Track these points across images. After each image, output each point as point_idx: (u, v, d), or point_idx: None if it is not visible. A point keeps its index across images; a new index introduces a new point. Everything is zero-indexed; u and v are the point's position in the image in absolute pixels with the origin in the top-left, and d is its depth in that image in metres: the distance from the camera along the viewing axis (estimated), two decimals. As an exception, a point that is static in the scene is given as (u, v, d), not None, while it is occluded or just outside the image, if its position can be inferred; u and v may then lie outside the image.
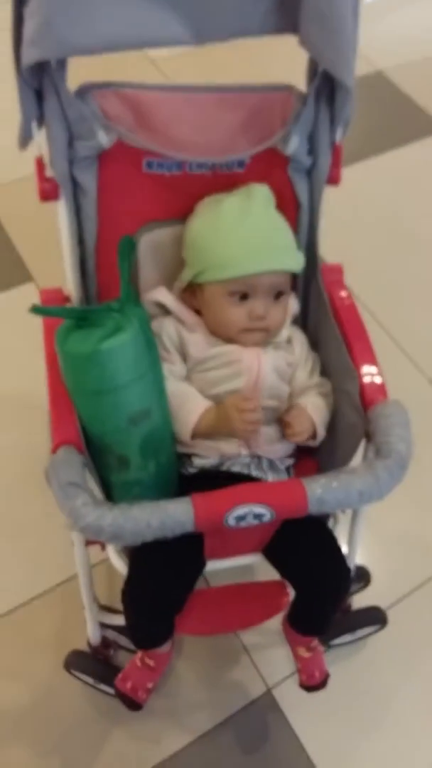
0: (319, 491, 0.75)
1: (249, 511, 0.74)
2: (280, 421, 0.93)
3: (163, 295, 0.97)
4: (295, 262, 0.94)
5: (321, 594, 0.90)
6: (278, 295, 0.93)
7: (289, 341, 0.99)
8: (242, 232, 0.90)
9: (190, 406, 0.90)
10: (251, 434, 0.88)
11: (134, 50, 0.82)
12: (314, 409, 0.93)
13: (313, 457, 1.01)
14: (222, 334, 0.94)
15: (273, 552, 0.90)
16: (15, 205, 1.81)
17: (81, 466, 0.80)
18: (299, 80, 0.92)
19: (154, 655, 0.99)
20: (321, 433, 0.93)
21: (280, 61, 1.53)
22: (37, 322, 0.90)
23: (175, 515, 0.74)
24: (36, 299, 0.97)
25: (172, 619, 0.91)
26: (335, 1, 0.77)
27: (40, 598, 1.22)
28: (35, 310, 0.81)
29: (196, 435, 0.90)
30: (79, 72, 0.87)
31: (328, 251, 1.01)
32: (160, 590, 0.86)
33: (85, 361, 0.79)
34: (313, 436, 0.93)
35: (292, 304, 1.00)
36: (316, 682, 1.02)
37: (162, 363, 0.90)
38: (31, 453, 1.38)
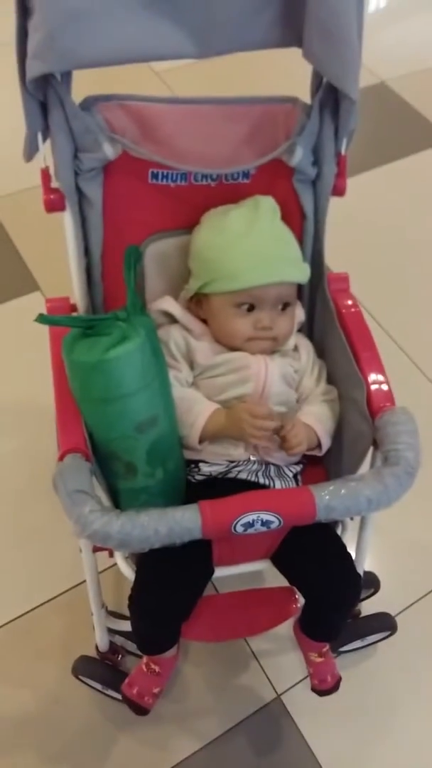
0: (327, 498, 0.75)
1: (257, 518, 0.75)
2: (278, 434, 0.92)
3: (170, 305, 0.98)
4: (302, 273, 0.95)
5: (331, 601, 0.90)
6: (284, 306, 0.94)
7: (295, 349, 1.00)
8: (249, 244, 0.90)
9: (197, 409, 0.90)
10: (260, 440, 0.88)
11: (138, 63, 0.83)
12: (317, 420, 0.93)
13: (321, 464, 1.02)
14: (228, 344, 0.95)
15: (281, 559, 0.90)
16: (22, 214, 1.83)
17: (88, 474, 0.80)
18: (302, 91, 0.92)
19: (160, 661, 0.99)
20: (326, 442, 0.93)
21: (284, 72, 1.54)
22: (44, 330, 0.91)
23: (182, 522, 0.74)
24: (42, 308, 0.98)
25: (178, 626, 0.91)
26: (339, 14, 0.78)
27: (48, 605, 1.23)
28: (42, 319, 0.82)
29: (203, 438, 0.90)
30: (82, 84, 0.88)
31: (334, 260, 1.02)
32: (167, 597, 0.86)
33: (92, 370, 0.80)
34: (318, 445, 0.93)
35: (298, 313, 1.01)
36: (328, 686, 1.02)
37: (168, 370, 0.90)
38: (38, 459, 1.38)
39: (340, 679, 1.04)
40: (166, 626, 0.91)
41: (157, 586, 0.86)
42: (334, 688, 1.03)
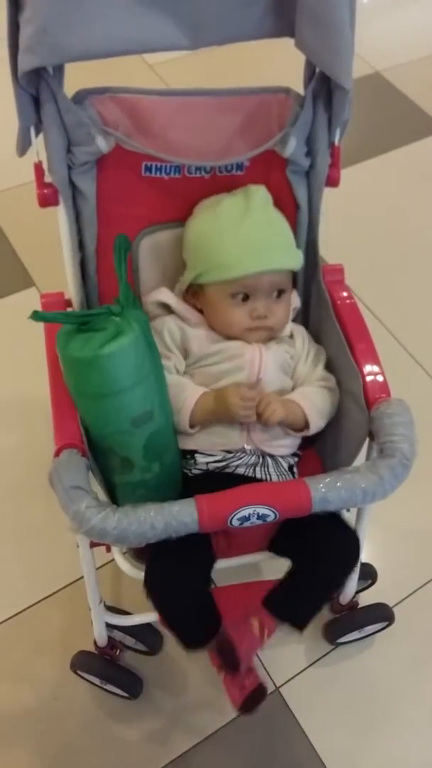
0: (323, 491, 0.75)
1: (253, 512, 0.75)
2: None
3: (166, 295, 0.98)
4: (295, 260, 0.95)
5: (331, 564, 0.88)
6: (279, 293, 0.94)
7: (291, 336, 1.00)
8: (241, 233, 0.90)
9: (186, 393, 0.91)
10: (247, 415, 0.88)
11: (131, 55, 0.82)
12: (303, 397, 0.93)
13: (317, 456, 1.02)
14: (225, 334, 0.95)
15: (278, 539, 0.90)
16: (15, 210, 1.82)
17: (84, 469, 0.80)
18: (295, 82, 0.92)
19: (221, 651, 0.90)
20: (315, 420, 0.93)
21: (276, 63, 1.53)
22: (39, 326, 0.90)
23: (179, 517, 0.74)
24: (37, 304, 0.98)
25: (204, 609, 0.87)
26: (331, 3, 0.78)
27: (46, 600, 1.23)
28: (36, 315, 0.82)
29: (194, 422, 0.90)
30: (74, 77, 0.87)
31: (329, 252, 1.01)
32: (185, 586, 0.85)
33: (87, 366, 0.80)
34: (306, 425, 0.93)
35: (294, 300, 1.01)
36: (247, 693, 0.91)
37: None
38: (34, 456, 1.38)
39: (259, 687, 0.92)
40: (192, 610, 0.87)
41: (167, 575, 0.84)
42: (253, 698, 0.92)
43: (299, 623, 0.91)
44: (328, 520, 0.86)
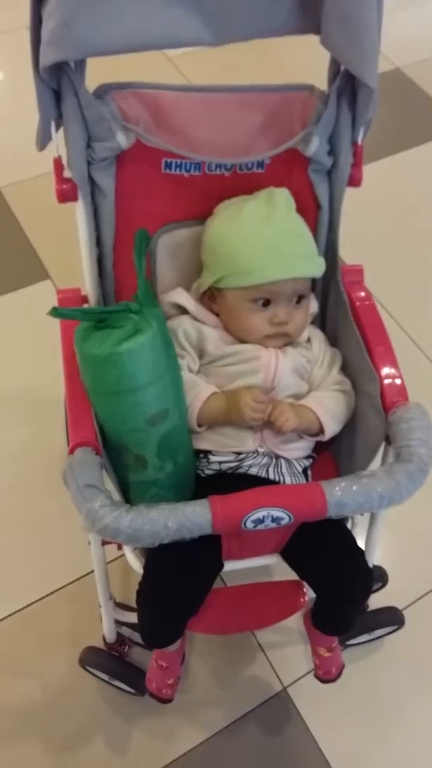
0: (338, 494, 0.75)
1: (267, 515, 0.74)
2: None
3: (183, 297, 0.97)
4: (317, 267, 0.94)
5: (343, 595, 0.90)
6: (299, 299, 0.93)
7: (308, 340, 0.99)
8: (265, 239, 0.89)
9: (196, 391, 0.90)
10: (258, 421, 0.88)
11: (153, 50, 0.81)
12: (317, 403, 0.92)
13: (332, 458, 1.01)
14: (243, 339, 0.94)
15: (291, 554, 0.90)
16: (32, 202, 1.82)
17: (98, 468, 0.80)
18: (315, 77, 0.91)
19: (165, 656, 1.00)
20: (330, 426, 0.92)
21: (297, 58, 1.52)
22: (53, 319, 0.90)
23: (192, 517, 0.74)
24: (52, 297, 0.98)
25: (185, 621, 0.91)
26: (358, 2, 0.76)
27: (55, 595, 1.23)
28: (55, 312, 0.82)
29: (202, 421, 0.90)
30: (94, 70, 0.86)
31: (348, 251, 1.00)
32: (175, 594, 0.86)
33: (104, 363, 0.79)
34: (321, 430, 0.92)
35: (312, 305, 1.00)
36: (332, 677, 1.04)
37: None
38: (45, 450, 1.39)
39: (343, 668, 1.05)
40: (173, 621, 0.91)
41: (165, 583, 0.86)
42: (337, 677, 1.05)
43: (339, 633, 1.03)
44: (341, 548, 0.88)
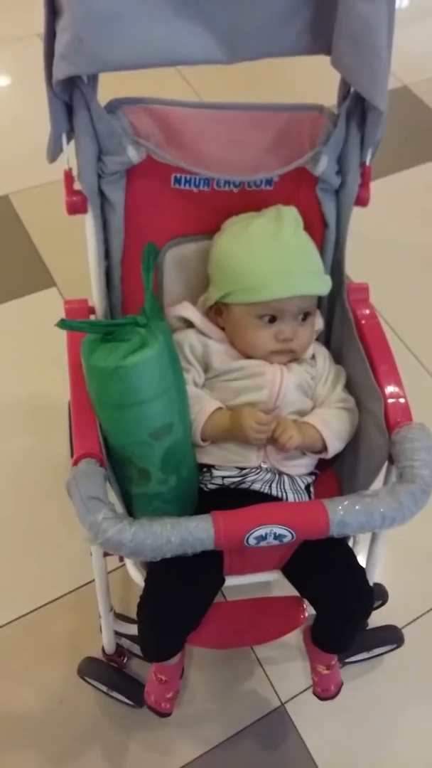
0: (341, 514, 0.75)
1: (269, 532, 0.74)
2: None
3: (189, 311, 0.97)
4: (324, 285, 0.95)
5: (343, 614, 0.90)
6: (305, 316, 0.94)
7: (312, 357, 1.00)
8: (272, 256, 0.90)
9: (201, 405, 0.91)
10: (261, 441, 0.89)
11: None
12: (321, 421, 0.93)
13: (334, 476, 1.01)
14: (249, 355, 0.95)
15: (293, 571, 0.90)
16: (39, 209, 1.83)
17: (102, 480, 0.80)
18: (323, 96, 0.91)
19: (164, 669, 1.00)
20: (333, 444, 0.92)
21: (306, 77, 1.53)
22: (58, 327, 0.90)
23: (195, 533, 0.74)
24: (58, 304, 0.98)
25: (185, 636, 0.91)
26: (369, 23, 0.77)
27: (54, 603, 1.23)
28: (62, 324, 0.82)
29: (205, 435, 0.90)
30: (104, 83, 0.86)
31: (353, 269, 1.01)
32: (176, 608, 0.86)
33: (110, 376, 0.80)
34: (324, 448, 0.92)
35: (317, 322, 1.00)
36: (330, 695, 1.04)
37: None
38: (48, 457, 1.39)
39: (341, 686, 1.04)
40: (173, 636, 0.91)
41: (166, 596, 0.86)
42: (335, 695, 1.04)
43: (339, 651, 1.04)
44: (342, 566, 0.88)
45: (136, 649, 1.14)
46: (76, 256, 1.01)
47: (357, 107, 0.88)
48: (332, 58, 0.83)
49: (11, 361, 1.56)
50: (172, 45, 0.80)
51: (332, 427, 0.93)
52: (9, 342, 1.60)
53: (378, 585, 1.21)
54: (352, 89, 0.86)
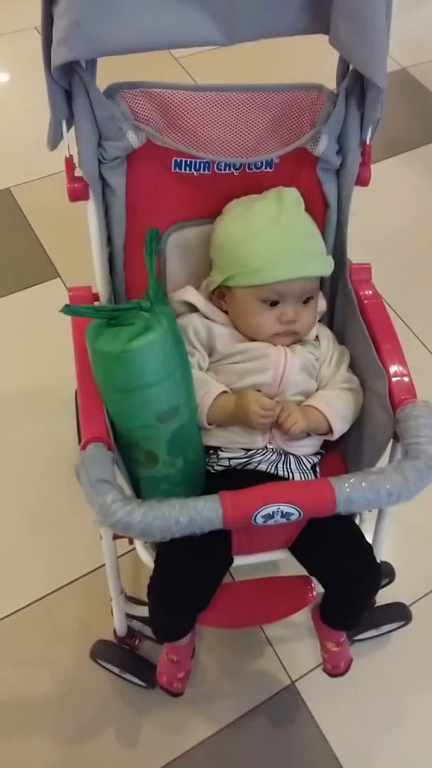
0: (347, 491, 0.75)
1: (277, 510, 0.75)
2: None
3: (192, 295, 0.98)
4: (326, 266, 0.95)
5: (351, 591, 0.91)
6: (308, 299, 0.94)
7: (316, 338, 1.00)
8: (274, 239, 0.90)
9: (206, 389, 0.91)
10: (264, 426, 0.90)
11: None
12: (326, 403, 0.93)
13: (340, 455, 1.02)
14: (252, 337, 0.95)
15: (300, 549, 0.91)
16: (42, 201, 1.83)
17: (110, 463, 0.81)
18: (321, 77, 0.91)
19: (176, 649, 1.01)
20: (338, 426, 0.93)
21: (303, 58, 1.52)
22: (62, 317, 0.90)
23: (203, 512, 0.75)
24: (62, 295, 0.99)
25: (195, 615, 0.92)
26: (367, 2, 0.77)
27: (66, 588, 1.25)
28: (67, 310, 0.83)
29: (211, 419, 0.91)
30: (100, 69, 0.86)
31: (355, 250, 1.01)
32: (186, 588, 0.87)
33: (115, 360, 0.80)
34: (330, 429, 0.93)
35: (320, 303, 1.01)
36: (341, 671, 1.05)
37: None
38: (55, 446, 1.40)
39: (351, 662, 1.06)
40: (184, 615, 0.92)
41: (176, 576, 0.87)
42: (346, 671, 1.06)
43: (347, 628, 1.05)
44: (349, 543, 0.89)
45: (148, 630, 1.15)
46: (79, 247, 1.02)
47: (356, 85, 0.87)
48: (330, 36, 0.83)
49: (17, 351, 1.57)
50: (171, 27, 0.80)
51: (337, 409, 0.93)
52: (15, 333, 1.60)
53: (385, 563, 1.22)
54: (350, 67, 0.86)
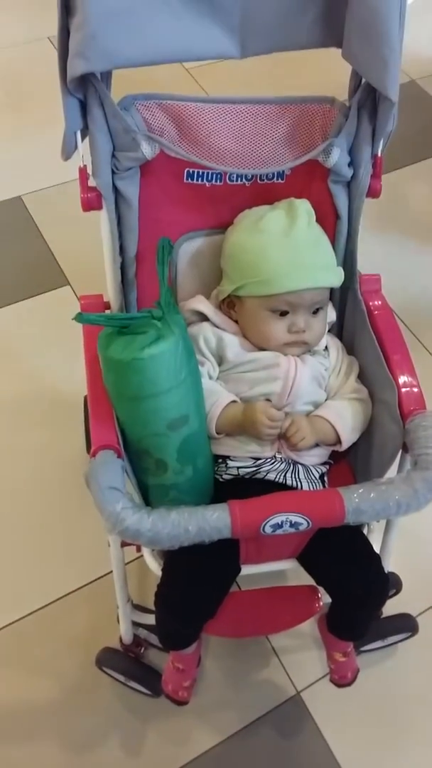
0: (356, 501, 0.75)
1: (286, 520, 0.75)
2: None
3: (203, 305, 0.99)
4: (336, 277, 0.96)
5: (358, 602, 0.91)
6: (317, 309, 0.95)
7: (326, 348, 1.00)
8: (285, 249, 0.91)
9: (215, 398, 0.92)
10: (271, 438, 0.91)
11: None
12: (335, 414, 0.94)
13: (349, 465, 1.02)
14: (262, 347, 0.96)
15: (308, 559, 0.91)
16: (52, 210, 1.84)
17: (120, 470, 0.82)
18: (334, 89, 0.92)
19: (181, 658, 1.01)
20: (347, 437, 0.93)
21: (314, 70, 1.54)
22: (72, 325, 0.91)
23: (212, 521, 0.75)
24: (72, 302, 1.00)
25: (202, 624, 0.92)
26: (381, 14, 0.78)
27: (72, 595, 1.25)
28: (80, 318, 0.83)
29: (220, 428, 0.92)
30: (113, 80, 0.88)
31: (365, 261, 1.02)
32: (194, 596, 0.87)
33: (126, 368, 0.81)
34: (338, 440, 0.93)
35: (329, 314, 1.01)
36: (347, 681, 1.06)
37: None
38: (63, 452, 1.41)
39: (358, 672, 1.06)
40: (191, 624, 0.92)
41: (184, 585, 0.87)
42: (352, 681, 1.06)
43: (354, 639, 1.05)
44: (357, 553, 0.89)
45: (154, 639, 1.15)
46: (89, 255, 1.02)
47: (368, 99, 0.88)
48: (343, 49, 0.84)
49: (27, 358, 1.58)
50: (185, 41, 0.81)
51: (346, 419, 0.94)
52: (24, 340, 1.61)
53: (392, 574, 1.21)
54: (363, 80, 0.87)
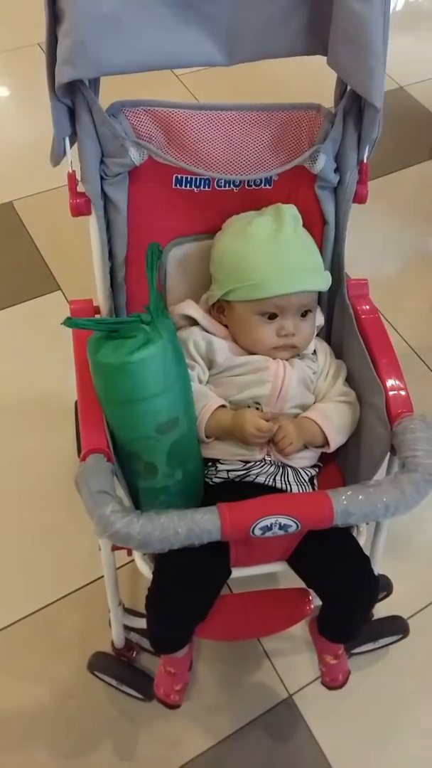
0: (345, 503, 0.76)
1: (275, 522, 0.76)
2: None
3: (192, 309, 0.99)
4: (324, 281, 0.97)
5: (348, 604, 0.91)
6: (305, 312, 0.96)
7: (314, 352, 1.01)
8: (272, 254, 0.92)
9: (205, 402, 0.92)
10: (260, 444, 0.92)
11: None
12: (322, 416, 0.94)
13: (338, 468, 1.03)
14: (251, 351, 0.97)
15: (298, 562, 0.91)
16: (42, 216, 1.85)
17: (110, 474, 0.82)
18: (325, 98, 0.93)
19: (173, 662, 1.01)
20: (334, 438, 0.94)
21: (300, 77, 1.54)
22: (63, 330, 0.91)
23: (201, 524, 0.75)
24: (63, 308, 1.00)
25: (193, 627, 0.93)
26: (365, 23, 0.79)
27: (64, 600, 1.25)
28: (68, 322, 0.84)
29: (209, 432, 0.92)
30: (102, 86, 0.88)
31: (352, 266, 1.03)
32: (184, 599, 0.87)
33: (116, 372, 0.81)
34: (326, 442, 0.94)
35: (318, 318, 1.02)
36: (339, 684, 1.06)
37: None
38: (56, 456, 1.41)
39: (349, 674, 1.06)
40: (182, 627, 0.92)
41: (174, 588, 0.87)
42: (344, 684, 1.06)
43: (345, 641, 1.05)
44: (347, 555, 0.90)
45: (145, 643, 1.15)
46: (80, 260, 1.03)
47: (354, 106, 0.89)
48: (329, 57, 0.85)
49: (18, 363, 1.58)
50: (173, 48, 0.82)
51: (333, 421, 0.94)
52: (15, 345, 1.62)
53: (383, 576, 1.22)
54: (348, 88, 0.88)
